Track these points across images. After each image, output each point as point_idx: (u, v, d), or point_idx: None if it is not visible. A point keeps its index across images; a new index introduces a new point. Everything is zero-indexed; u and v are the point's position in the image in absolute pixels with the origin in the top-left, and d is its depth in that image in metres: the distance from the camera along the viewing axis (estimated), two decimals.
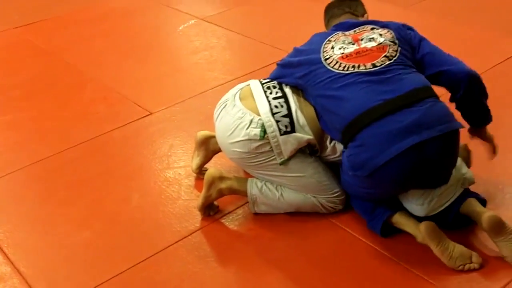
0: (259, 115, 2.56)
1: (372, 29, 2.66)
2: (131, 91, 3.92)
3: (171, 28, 4.93)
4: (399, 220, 2.51)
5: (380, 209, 2.53)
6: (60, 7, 5.52)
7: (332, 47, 2.60)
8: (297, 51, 2.74)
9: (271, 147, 2.56)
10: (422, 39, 2.67)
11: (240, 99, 2.65)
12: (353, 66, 2.50)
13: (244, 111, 2.59)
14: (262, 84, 2.72)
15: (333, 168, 2.69)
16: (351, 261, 2.48)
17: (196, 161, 3.00)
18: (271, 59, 4.10)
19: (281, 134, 2.54)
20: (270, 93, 2.64)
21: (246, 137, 2.56)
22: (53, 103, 3.91)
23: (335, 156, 2.66)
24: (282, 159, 2.58)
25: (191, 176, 3.03)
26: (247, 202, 2.73)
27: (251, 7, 5.20)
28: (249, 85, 2.74)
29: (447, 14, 4.66)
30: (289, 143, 2.55)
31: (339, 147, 2.61)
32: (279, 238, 2.62)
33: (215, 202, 2.78)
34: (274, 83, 2.72)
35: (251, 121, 2.56)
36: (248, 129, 2.55)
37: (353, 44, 2.59)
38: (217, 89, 3.81)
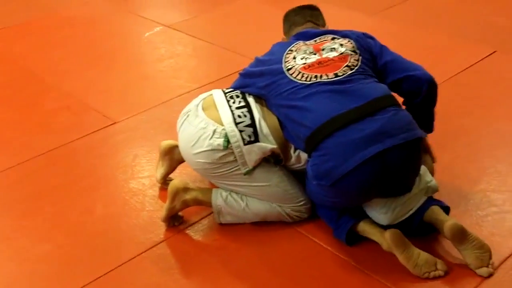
0: (222, 125, 2.54)
1: (333, 39, 2.66)
2: (95, 100, 3.87)
3: (136, 35, 4.88)
4: (365, 228, 2.51)
5: (345, 217, 2.53)
6: (23, 14, 5.44)
7: (294, 57, 2.60)
8: (258, 61, 2.74)
9: (235, 157, 2.54)
10: (382, 47, 2.68)
11: (203, 109, 2.62)
12: (316, 76, 2.49)
13: (207, 121, 2.56)
14: (225, 93, 2.69)
15: (298, 177, 2.68)
16: (317, 270, 2.47)
17: (160, 171, 2.97)
18: (237, 67, 4.03)
19: (244, 144, 2.52)
20: (233, 102, 2.62)
21: (210, 148, 2.53)
22: (15, 112, 3.85)
23: (300, 165, 2.65)
24: (247, 169, 2.56)
25: (155, 186, 2.99)
26: (213, 212, 2.70)
27: (218, 15, 5.17)
28: (211, 94, 2.71)
29: (412, 22, 4.68)
30: (253, 153, 2.53)
31: (304, 156, 2.60)
32: (244, 248, 2.60)
33: (180, 213, 2.74)
34: (237, 92, 2.70)
35: (214, 131, 2.53)
36: (211, 140, 2.53)
37: (315, 54, 2.59)
38: (183, 97, 3.78)
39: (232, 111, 2.58)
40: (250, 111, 2.59)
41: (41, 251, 2.66)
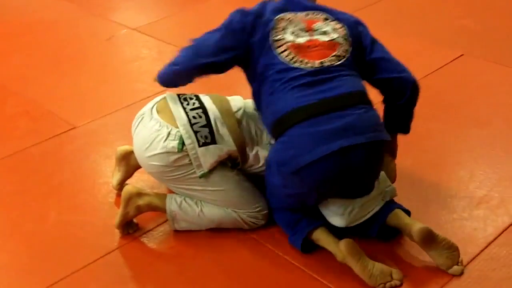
0: (177, 127, 2.48)
1: (326, 19, 2.51)
2: (55, 105, 3.78)
3: (100, 38, 4.78)
4: (320, 237, 2.46)
5: (302, 224, 2.48)
6: None
7: (284, 29, 2.47)
8: (247, 14, 2.54)
9: (190, 160, 2.48)
10: (374, 41, 2.58)
11: (157, 112, 2.57)
12: (301, 61, 2.39)
13: (161, 123, 2.51)
14: (179, 96, 2.63)
15: (255, 182, 2.63)
16: (271, 278, 2.42)
17: (116, 177, 2.90)
18: None
19: (199, 146, 2.47)
20: (187, 104, 2.57)
21: (164, 150, 2.47)
22: None
23: (258, 166, 2.61)
24: (202, 172, 2.50)
25: (112, 192, 2.93)
26: None
27: (183, 17, 5.10)
28: (165, 97, 2.65)
29: (382, 23, 4.61)
30: (208, 155, 2.48)
31: (262, 154, 2.56)
32: (200, 256, 2.54)
33: (135, 220, 2.69)
34: (190, 94, 2.64)
35: (168, 134, 2.47)
36: (166, 142, 2.47)
37: (306, 32, 2.45)
38: (145, 101, 3.58)
39: (186, 112, 2.52)
40: (205, 111, 2.53)
41: None
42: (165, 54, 4.39)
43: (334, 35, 2.46)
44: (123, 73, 4.22)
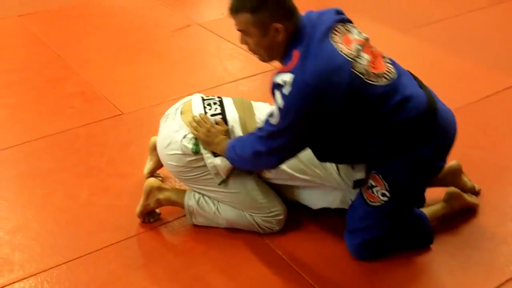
0: None
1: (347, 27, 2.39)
2: (109, 89, 3.94)
3: (164, 30, 4.93)
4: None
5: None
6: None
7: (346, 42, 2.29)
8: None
9: (205, 163, 2.55)
10: None
11: (181, 113, 2.63)
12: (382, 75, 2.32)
13: (181, 125, 2.57)
14: (204, 100, 2.68)
15: (273, 187, 2.68)
16: (275, 285, 2.45)
17: (148, 166, 3.00)
18: (254, 71, 4.14)
19: (215, 156, 2.53)
20: (210, 109, 2.62)
21: (180, 151, 2.55)
22: (32, 93, 3.96)
23: (274, 176, 2.65)
24: (221, 179, 2.57)
25: (143, 180, 2.99)
26: None
27: None
28: (191, 99, 2.72)
29: (440, 43, 4.59)
30: (223, 164, 2.52)
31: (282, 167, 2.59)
32: (209, 253, 2.61)
33: (157, 210, 2.77)
34: (215, 99, 2.68)
35: (185, 136, 2.54)
36: (182, 143, 2.54)
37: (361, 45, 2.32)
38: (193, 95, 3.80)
39: None
40: (224, 118, 2.58)
41: (23, 230, 2.75)
42: (222, 51, 4.50)
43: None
44: (180, 66, 4.33)
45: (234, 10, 2.27)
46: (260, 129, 2.35)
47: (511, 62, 4.32)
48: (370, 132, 2.33)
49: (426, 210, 2.67)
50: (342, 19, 2.35)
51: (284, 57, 2.27)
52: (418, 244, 2.63)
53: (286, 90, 2.16)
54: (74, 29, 4.95)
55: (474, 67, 4.22)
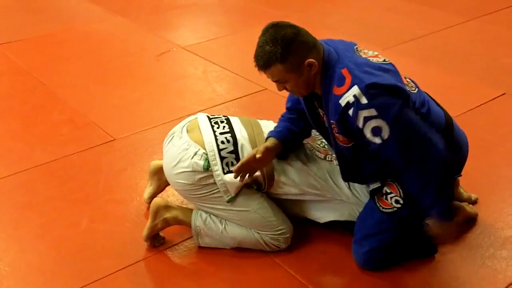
0: (204, 148, 2.55)
1: None
2: (98, 116, 3.92)
3: (149, 54, 4.94)
4: None
5: None
6: (44, 26, 5.57)
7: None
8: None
9: (214, 180, 2.55)
10: None
11: (187, 131, 2.64)
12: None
13: (189, 143, 2.58)
14: (210, 118, 2.70)
15: (280, 205, 2.69)
16: None
17: (148, 191, 2.99)
18: (244, 92, 4.15)
19: (225, 173, 2.53)
20: (218, 127, 2.63)
21: (190, 169, 2.54)
22: (20, 122, 3.93)
23: (283, 191, 2.66)
24: (230, 197, 2.57)
25: (143, 205, 3.01)
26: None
27: (232, 40, 5.22)
28: (197, 118, 2.73)
29: (423, 59, 4.67)
30: (233, 181, 2.53)
31: (290, 181, 2.61)
32: (219, 274, 2.60)
33: (161, 234, 2.76)
34: (221, 118, 2.70)
35: (195, 153, 2.55)
36: (192, 160, 2.54)
37: None
38: (184, 118, 3.78)
39: (215, 136, 2.59)
40: (233, 136, 2.59)
41: (23, 261, 2.71)
42: (209, 74, 4.52)
43: None
44: (167, 90, 4.34)
45: (264, 67, 2.27)
46: (401, 159, 2.30)
47: (493, 74, 4.41)
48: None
49: (429, 223, 2.69)
50: (355, 44, 2.42)
51: (327, 82, 2.28)
52: (423, 254, 2.66)
53: (364, 99, 2.15)
54: (56, 56, 4.93)
55: (457, 80, 4.30)
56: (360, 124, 2.18)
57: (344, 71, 2.22)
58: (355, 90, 2.16)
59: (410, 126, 2.21)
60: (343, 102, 2.19)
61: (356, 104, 2.16)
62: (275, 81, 2.34)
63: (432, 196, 2.33)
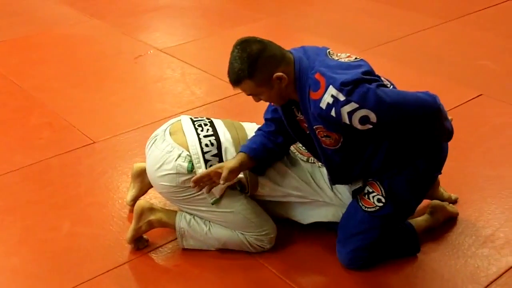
0: (188, 150, 2.55)
1: None
2: (77, 119, 3.90)
3: (127, 57, 4.92)
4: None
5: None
6: (21, 29, 5.53)
7: None
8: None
9: None
10: None
11: (170, 134, 2.64)
12: None
13: (173, 145, 2.58)
14: (193, 121, 2.70)
15: (263, 206, 2.69)
16: None
17: (131, 193, 2.98)
18: (223, 94, 4.14)
19: None
20: (201, 130, 2.63)
21: (174, 171, 2.54)
22: None
23: (268, 192, 2.67)
24: (214, 199, 2.57)
25: (125, 208, 3.00)
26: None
27: (210, 42, 5.22)
28: (180, 120, 2.72)
29: (400, 60, 4.71)
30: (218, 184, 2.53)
31: (274, 183, 2.62)
32: (204, 276, 2.60)
33: (145, 236, 2.75)
34: (205, 120, 2.70)
35: (179, 155, 2.54)
36: (176, 163, 2.54)
37: None
38: (165, 121, 3.69)
39: (199, 139, 2.59)
40: (217, 139, 2.60)
41: (8, 265, 2.69)
42: (188, 76, 4.52)
43: None
44: (146, 92, 4.33)
45: (235, 82, 2.35)
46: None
47: (469, 75, 4.46)
48: (383, 139, 2.42)
49: (411, 222, 2.73)
50: (327, 48, 2.46)
51: (302, 89, 2.32)
52: (406, 253, 2.68)
53: (341, 96, 2.19)
54: (33, 59, 4.89)
55: (434, 82, 4.33)
56: (347, 120, 2.22)
57: (317, 75, 2.26)
58: (332, 90, 2.20)
59: (392, 98, 2.24)
60: (323, 104, 2.23)
61: (336, 103, 2.20)
62: (249, 95, 2.41)
63: (447, 130, 2.45)
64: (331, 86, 2.20)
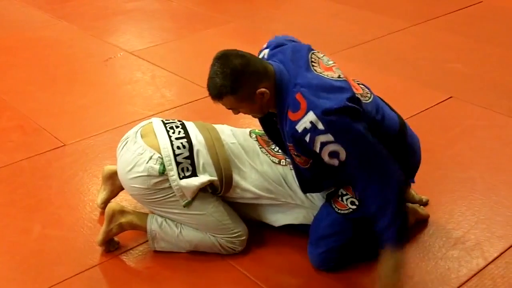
0: (159, 152, 2.55)
1: None
2: (48, 122, 3.87)
3: (97, 59, 4.89)
4: None
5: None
6: None
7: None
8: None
9: (170, 184, 2.55)
10: None
11: (142, 136, 2.63)
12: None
13: (144, 147, 2.57)
14: (165, 123, 2.69)
15: (235, 208, 2.71)
16: None
17: (101, 196, 2.97)
18: (193, 97, 4.14)
19: (180, 179, 2.53)
20: (173, 132, 2.63)
21: (146, 173, 2.54)
22: None
23: (239, 196, 2.68)
24: (186, 201, 2.58)
25: (96, 210, 2.99)
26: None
27: (179, 45, 5.21)
28: (151, 122, 2.72)
29: (369, 64, 4.73)
30: (189, 186, 2.54)
31: (246, 185, 2.64)
32: (175, 278, 2.60)
33: (116, 238, 2.75)
34: (176, 123, 2.70)
35: (150, 158, 2.54)
36: (148, 165, 2.53)
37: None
38: (135, 123, 3.65)
39: (171, 141, 2.58)
40: (189, 142, 2.60)
41: None
42: (158, 79, 4.51)
43: None
44: (116, 95, 4.32)
45: (216, 97, 2.30)
46: (358, 180, 2.30)
47: (438, 78, 4.50)
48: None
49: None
50: (309, 48, 2.44)
51: (281, 104, 2.29)
52: (377, 254, 2.70)
53: (320, 125, 2.16)
54: (2, 62, 4.84)
55: (404, 85, 4.38)
56: (317, 149, 2.22)
57: (298, 96, 2.21)
58: (311, 116, 2.17)
59: (367, 148, 2.24)
60: (299, 128, 2.20)
61: (313, 130, 2.18)
62: (229, 109, 2.39)
63: (390, 216, 2.28)
64: (311, 112, 2.17)
